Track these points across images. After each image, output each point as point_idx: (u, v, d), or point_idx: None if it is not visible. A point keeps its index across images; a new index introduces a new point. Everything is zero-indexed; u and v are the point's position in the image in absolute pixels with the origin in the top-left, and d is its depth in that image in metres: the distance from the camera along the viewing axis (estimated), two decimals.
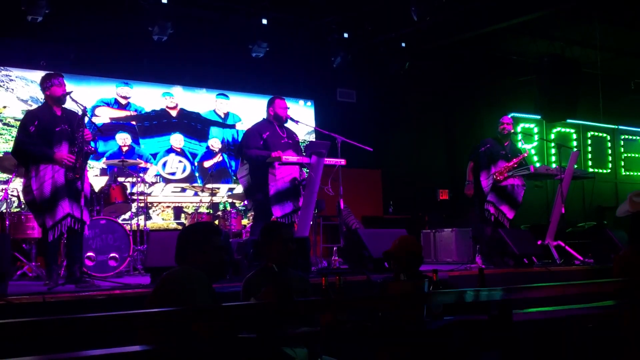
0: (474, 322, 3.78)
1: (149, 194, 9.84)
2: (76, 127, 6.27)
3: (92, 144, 6.56)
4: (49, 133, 6.13)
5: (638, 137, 17.15)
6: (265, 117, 7.54)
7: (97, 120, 10.03)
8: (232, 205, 10.38)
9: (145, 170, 9.89)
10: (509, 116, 9.04)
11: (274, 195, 7.12)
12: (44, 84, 6.26)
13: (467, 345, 4.19)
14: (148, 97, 11.00)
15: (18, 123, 6.80)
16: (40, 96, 7.47)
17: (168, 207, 10.86)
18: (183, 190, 10.98)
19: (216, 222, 9.50)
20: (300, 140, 7.78)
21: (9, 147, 8.63)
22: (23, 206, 7.80)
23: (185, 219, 10.71)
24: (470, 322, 3.86)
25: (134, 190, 8.99)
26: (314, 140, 11.38)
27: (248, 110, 11.83)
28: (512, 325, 3.45)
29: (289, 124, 7.59)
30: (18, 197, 8.07)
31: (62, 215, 6.02)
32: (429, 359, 4.06)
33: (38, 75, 6.51)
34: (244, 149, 7.32)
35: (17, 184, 7.94)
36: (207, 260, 3.48)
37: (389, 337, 4.04)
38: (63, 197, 6.05)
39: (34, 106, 8.64)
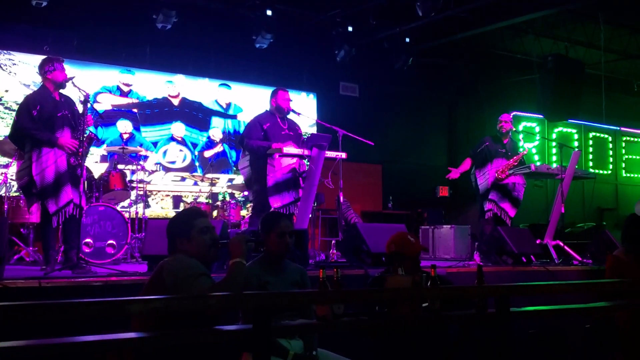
0: (471, 318, 3.77)
1: (149, 182, 9.83)
2: (77, 113, 6.26)
3: (93, 129, 6.54)
4: (51, 118, 6.12)
5: None
6: (267, 108, 7.52)
7: (99, 107, 9.99)
8: (232, 195, 10.36)
9: (145, 158, 9.88)
10: (510, 114, 9.02)
11: (272, 186, 7.12)
12: (45, 68, 6.21)
13: (464, 342, 4.18)
14: (150, 85, 10.97)
15: None
16: None
17: (167, 195, 10.85)
18: (183, 179, 10.97)
19: (215, 212, 9.49)
20: (303, 133, 7.76)
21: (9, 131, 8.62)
22: None
23: (184, 208, 10.70)
24: (467, 318, 3.85)
25: (134, 177, 8.98)
26: (315, 132, 11.36)
27: (250, 100, 11.80)
28: (510, 323, 3.43)
29: (291, 116, 7.58)
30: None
31: (66, 201, 6.03)
32: (425, 354, 4.06)
33: (41, 60, 6.47)
34: (245, 139, 7.32)
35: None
36: (195, 245, 3.47)
37: (385, 330, 4.03)
38: (66, 182, 6.06)
39: None
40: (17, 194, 8.02)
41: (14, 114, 6.75)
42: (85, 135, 6.15)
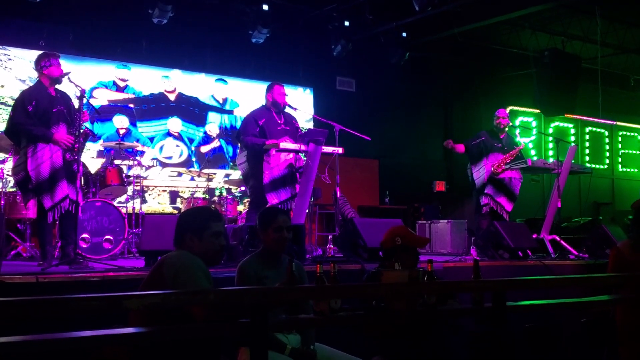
0: (468, 313, 3.78)
1: (145, 178, 9.82)
2: (73, 108, 6.26)
3: (89, 125, 6.54)
4: (46, 114, 6.12)
5: (636, 134, 17.16)
6: (264, 103, 7.52)
7: (95, 102, 9.95)
8: (228, 190, 10.36)
9: (142, 153, 9.87)
10: (505, 109, 9.04)
11: (269, 183, 7.13)
12: (41, 64, 6.22)
13: (459, 336, 4.19)
14: (146, 80, 10.94)
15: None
16: None
17: (164, 191, 10.84)
18: (179, 174, 10.95)
19: (212, 207, 9.48)
20: (300, 126, 7.75)
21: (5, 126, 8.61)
22: None
23: (181, 203, 10.69)
24: (463, 313, 3.86)
25: (130, 173, 8.97)
26: (312, 127, 11.35)
27: (246, 96, 11.78)
28: (506, 318, 3.44)
29: (288, 110, 7.57)
30: None
31: (62, 196, 6.04)
32: (421, 349, 4.06)
33: (37, 55, 6.46)
34: (242, 135, 7.32)
35: None
36: (204, 246, 3.46)
37: (382, 325, 4.04)
38: (62, 178, 6.06)
39: None
40: (13, 189, 8.01)
41: (9, 109, 6.74)
42: (81, 130, 6.15)
